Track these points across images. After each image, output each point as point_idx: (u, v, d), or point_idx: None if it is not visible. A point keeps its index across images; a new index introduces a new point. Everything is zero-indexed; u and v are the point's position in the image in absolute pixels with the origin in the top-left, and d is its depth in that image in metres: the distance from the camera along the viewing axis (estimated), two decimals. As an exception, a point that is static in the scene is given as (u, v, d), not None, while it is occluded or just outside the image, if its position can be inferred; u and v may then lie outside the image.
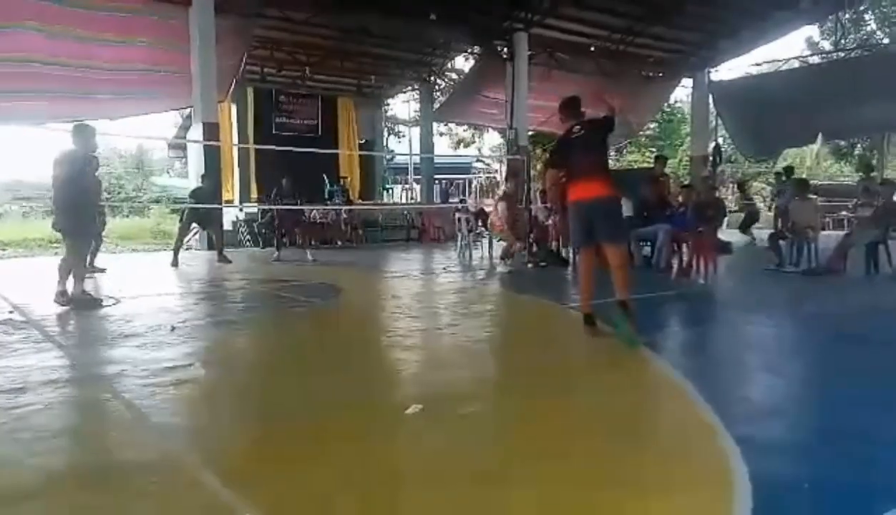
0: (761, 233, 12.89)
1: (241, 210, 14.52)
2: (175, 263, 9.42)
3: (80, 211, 5.77)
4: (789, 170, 13.31)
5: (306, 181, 12.32)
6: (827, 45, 22.21)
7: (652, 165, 11.12)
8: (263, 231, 13.25)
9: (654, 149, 26.76)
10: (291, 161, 11.78)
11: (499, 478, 2.19)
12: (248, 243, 13.60)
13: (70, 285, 5.69)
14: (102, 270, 8.48)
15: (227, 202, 14.52)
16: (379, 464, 2.35)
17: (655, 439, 2.62)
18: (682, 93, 22.91)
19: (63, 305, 5.57)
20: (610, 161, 4.88)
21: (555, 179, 4.95)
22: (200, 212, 10.15)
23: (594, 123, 4.62)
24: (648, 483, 2.17)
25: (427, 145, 20.59)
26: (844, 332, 4.72)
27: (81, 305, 5.59)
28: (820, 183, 19.39)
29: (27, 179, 27.47)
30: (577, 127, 4.56)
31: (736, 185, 17.36)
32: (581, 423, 2.80)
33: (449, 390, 3.29)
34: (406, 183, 24.39)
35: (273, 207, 11.11)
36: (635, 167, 23.68)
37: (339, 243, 14.03)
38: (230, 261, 9.63)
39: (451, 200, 20.93)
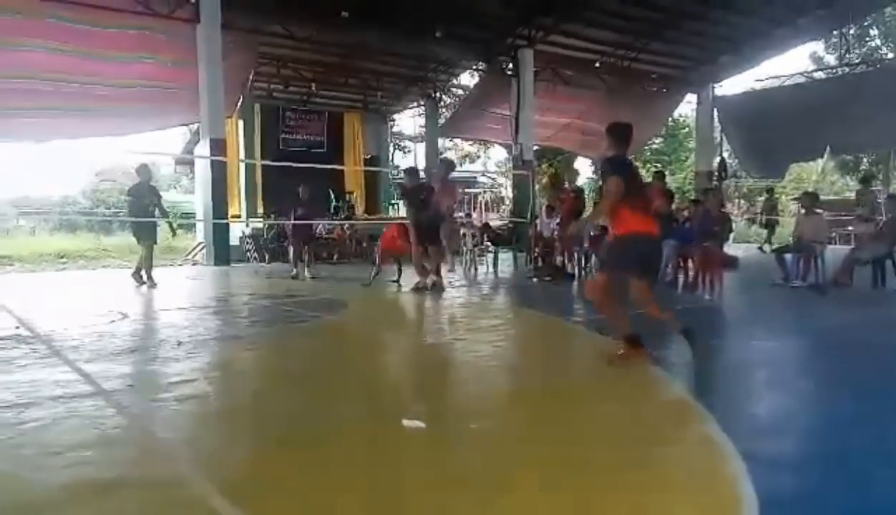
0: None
1: (247, 225, 14.58)
2: None
3: None
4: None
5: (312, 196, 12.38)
6: (831, 60, 22.25)
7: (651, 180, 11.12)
8: (271, 246, 13.37)
9: (658, 164, 26.71)
10: (298, 176, 11.83)
11: (504, 487, 2.18)
12: (253, 258, 13.65)
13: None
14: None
15: (234, 217, 14.57)
16: (385, 478, 2.34)
17: (662, 452, 2.60)
18: (688, 107, 22.93)
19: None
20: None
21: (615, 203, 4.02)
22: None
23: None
24: (654, 494, 2.15)
25: (433, 160, 20.62)
26: (851, 347, 4.68)
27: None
28: (826, 197, 19.33)
29: (34, 195, 27.72)
30: (632, 158, 4.53)
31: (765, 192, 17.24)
32: (587, 435, 2.78)
33: (451, 404, 3.28)
34: (411, 197, 24.37)
35: (277, 222, 11.11)
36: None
37: (345, 258, 14.04)
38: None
39: (455, 215, 20.89)
